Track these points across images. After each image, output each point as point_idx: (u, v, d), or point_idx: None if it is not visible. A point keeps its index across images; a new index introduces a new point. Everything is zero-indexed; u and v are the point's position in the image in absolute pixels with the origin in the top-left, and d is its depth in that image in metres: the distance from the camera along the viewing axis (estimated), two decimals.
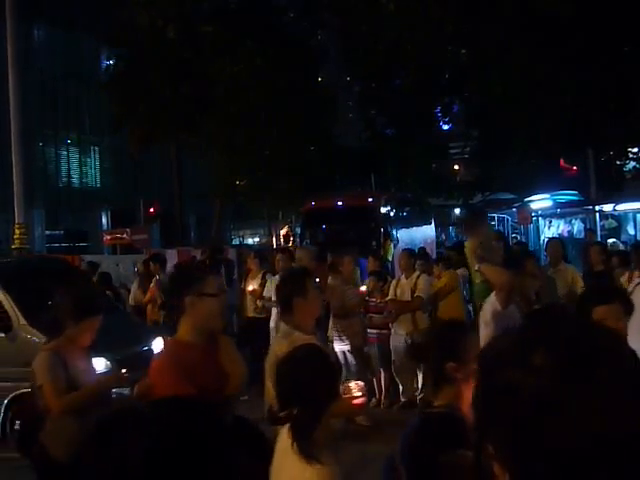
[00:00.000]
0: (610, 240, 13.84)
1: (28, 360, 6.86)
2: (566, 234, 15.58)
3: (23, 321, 7.37)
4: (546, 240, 11.17)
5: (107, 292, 10.11)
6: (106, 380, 4.41)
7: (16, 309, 7.46)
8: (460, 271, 8.71)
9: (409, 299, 7.97)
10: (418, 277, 8.10)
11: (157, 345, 7.92)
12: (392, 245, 14.96)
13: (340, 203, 16.31)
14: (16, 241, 13.10)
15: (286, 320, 3.75)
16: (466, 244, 5.19)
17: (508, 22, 17.19)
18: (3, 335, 7.39)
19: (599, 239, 14.26)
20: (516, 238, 18.99)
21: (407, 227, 17.09)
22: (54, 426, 3.83)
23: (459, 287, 8.39)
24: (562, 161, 23.29)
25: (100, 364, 6.99)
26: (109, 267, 14.07)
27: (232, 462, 0.92)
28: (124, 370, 4.21)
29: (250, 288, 9.29)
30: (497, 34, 17.87)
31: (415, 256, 8.69)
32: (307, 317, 3.69)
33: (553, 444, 0.75)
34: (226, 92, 21.37)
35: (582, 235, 15.50)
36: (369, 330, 8.28)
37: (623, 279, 7.14)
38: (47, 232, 35.10)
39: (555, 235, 15.15)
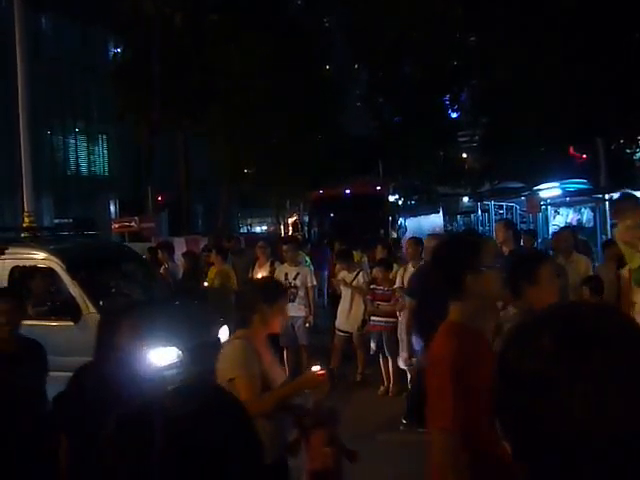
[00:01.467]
0: None
1: None
2: (575, 223, 15.49)
3: (93, 309, 6.96)
4: (556, 230, 11.10)
5: None
6: (306, 380, 3.70)
7: (85, 297, 7.08)
8: None
9: None
10: None
11: (224, 334, 7.79)
12: (399, 234, 14.95)
13: (348, 191, 16.30)
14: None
15: (517, 305, 3.47)
16: (616, 229, 5.11)
17: (515, 9, 17.06)
18: (72, 324, 6.99)
19: (608, 228, 14.18)
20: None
21: (415, 215, 17.07)
22: None
23: None
24: (572, 149, 23.13)
25: (172, 354, 6.95)
26: None
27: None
28: (317, 367, 3.60)
29: (259, 276, 9.33)
30: (504, 20, 17.73)
31: (421, 244, 8.65)
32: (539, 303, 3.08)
33: (553, 428, 0.73)
34: (232, 81, 21.32)
35: (591, 224, 15.40)
36: (377, 318, 8.29)
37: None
38: (55, 220, 35.23)
39: (564, 224, 15.04)
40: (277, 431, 3.43)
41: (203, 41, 22.09)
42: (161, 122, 23.60)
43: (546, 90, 17.65)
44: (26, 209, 13.29)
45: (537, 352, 0.77)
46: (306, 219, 19.28)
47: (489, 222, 21.44)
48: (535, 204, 16.33)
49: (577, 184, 17.90)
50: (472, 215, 25.81)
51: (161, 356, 6.79)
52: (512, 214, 21.22)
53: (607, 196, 15.19)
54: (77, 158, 37.66)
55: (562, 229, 9.35)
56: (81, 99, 36.56)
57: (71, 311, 7.02)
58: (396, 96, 25.68)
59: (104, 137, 38.67)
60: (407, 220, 16.15)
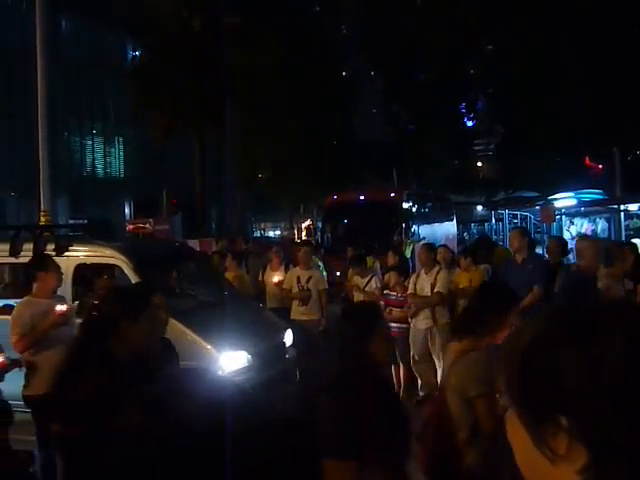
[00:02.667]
0: (634, 240, 13.65)
1: None
2: (590, 233, 15.40)
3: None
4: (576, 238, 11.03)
5: None
6: None
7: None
8: (483, 267, 8.73)
9: (429, 294, 7.95)
10: (438, 272, 8.07)
11: (289, 338, 7.70)
12: (411, 241, 14.93)
13: (362, 198, 16.29)
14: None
15: None
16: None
17: (532, 16, 17.05)
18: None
19: (623, 239, 14.09)
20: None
21: (428, 223, 17.03)
22: None
23: None
24: (587, 159, 23.02)
25: (242, 359, 6.78)
26: None
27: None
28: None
29: (276, 279, 9.37)
30: (521, 28, 17.72)
31: (435, 251, 8.66)
32: None
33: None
34: (248, 84, 21.43)
35: (606, 234, 15.31)
36: (389, 323, 8.29)
37: None
38: (71, 221, 35.49)
39: (576, 234, 14.97)
40: None
41: (220, 44, 22.23)
42: (177, 124, 23.75)
43: (563, 99, 17.60)
44: (43, 209, 13.41)
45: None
46: (319, 224, 19.29)
47: (503, 231, 21.36)
48: (550, 214, 16.25)
49: (592, 194, 17.81)
50: (486, 224, 25.73)
51: (231, 360, 6.68)
52: (526, 223, 21.12)
53: (622, 207, 15.11)
54: (93, 159, 37.97)
55: (581, 238, 9.30)
56: (98, 101, 36.89)
57: None
58: (411, 103, 25.70)
59: (120, 139, 38.96)
60: (420, 227, 16.13)
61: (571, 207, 16.38)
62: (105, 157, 38.54)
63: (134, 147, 38.06)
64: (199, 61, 22.33)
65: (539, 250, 10.92)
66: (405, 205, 16.24)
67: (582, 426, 0.75)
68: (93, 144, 37.89)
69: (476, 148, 30.72)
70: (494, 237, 21.01)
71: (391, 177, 24.55)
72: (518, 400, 0.82)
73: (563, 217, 16.43)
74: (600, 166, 22.82)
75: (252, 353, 6.80)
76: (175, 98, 22.68)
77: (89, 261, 7.30)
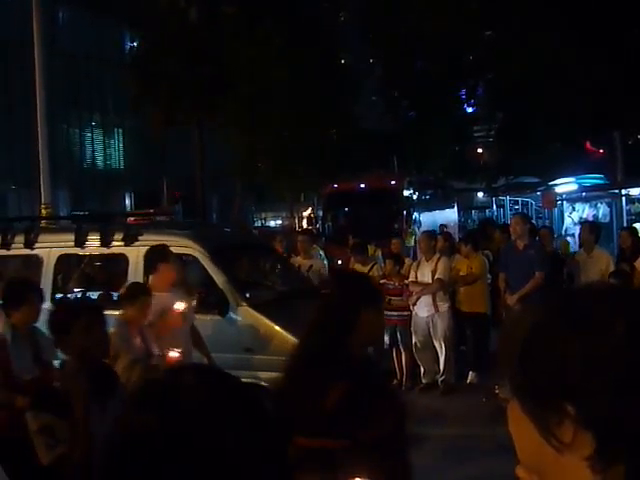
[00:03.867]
0: (636, 224, 13.65)
1: (248, 346, 6.08)
2: (591, 218, 15.39)
3: (242, 302, 6.26)
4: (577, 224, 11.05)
5: None
6: None
7: (232, 288, 6.35)
8: (485, 253, 8.75)
9: (430, 281, 7.96)
10: (439, 259, 8.08)
11: None
12: (414, 230, 14.91)
13: (362, 186, 16.28)
14: (42, 222, 13.26)
15: None
16: None
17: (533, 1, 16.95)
18: (218, 318, 6.28)
19: (625, 224, 14.08)
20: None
21: (429, 210, 17.02)
22: None
23: (485, 275, 8.33)
24: (588, 144, 22.95)
25: None
26: None
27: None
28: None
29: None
30: (521, 13, 17.62)
31: (435, 238, 8.66)
32: None
33: None
34: (247, 73, 21.34)
35: (607, 220, 15.30)
36: (389, 312, 8.30)
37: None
38: (72, 213, 35.48)
39: (578, 219, 14.96)
40: None
41: (218, 33, 22.12)
42: (176, 115, 23.69)
43: (563, 84, 17.52)
44: (43, 201, 13.40)
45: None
46: (320, 213, 19.28)
47: (504, 217, 21.34)
48: (551, 199, 16.25)
49: (593, 179, 17.78)
50: (487, 210, 25.70)
51: None
52: (528, 209, 21.11)
53: (624, 191, 15.08)
54: (93, 151, 37.92)
55: (584, 223, 9.36)
56: (97, 92, 36.79)
57: (218, 303, 6.29)
58: (411, 90, 25.56)
59: (120, 130, 38.88)
60: (421, 215, 16.11)
61: (572, 192, 16.38)
62: (105, 149, 38.48)
63: (134, 138, 37.99)
64: (197, 51, 22.23)
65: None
66: (406, 192, 16.22)
67: (588, 413, 0.74)
68: (92, 136, 37.83)
69: (476, 134, 30.59)
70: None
71: (392, 164, 24.47)
72: (521, 389, 0.81)
73: (564, 202, 16.41)
74: (601, 151, 22.75)
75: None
76: (174, 89, 22.60)
77: None
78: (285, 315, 6.25)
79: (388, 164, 25.07)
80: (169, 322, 5.03)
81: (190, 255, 6.67)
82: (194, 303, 5.82)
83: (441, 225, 15.65)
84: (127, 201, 38.19)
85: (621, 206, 15.03)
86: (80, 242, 6.90)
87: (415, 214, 15.80)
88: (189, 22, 22.83)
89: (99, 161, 38.32)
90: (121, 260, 6.83)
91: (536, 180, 22.12)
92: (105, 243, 6.82)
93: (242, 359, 5.85)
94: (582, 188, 16.42)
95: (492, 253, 9.19)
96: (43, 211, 12.41)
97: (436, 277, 7.92)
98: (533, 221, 19.00)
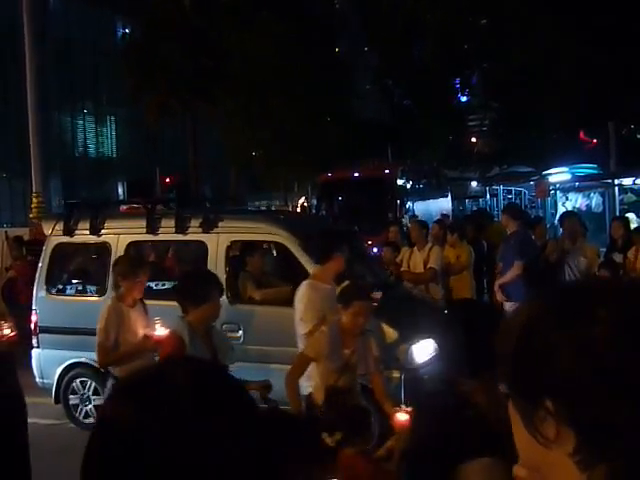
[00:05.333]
0: (628, 215, 13.68)
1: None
2: (584, 208, 15.42)
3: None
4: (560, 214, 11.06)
5: None
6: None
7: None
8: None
9: (422, 270, 7.96)
10: (430, 249, 8.07)
11: None
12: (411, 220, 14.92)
13: (356, 174, 16.24)
14: (34, 210, 13.20)
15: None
16: None
17: None
18: None
19: (617, 214, 14.10)
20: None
21: (423, 199, 17.01)
22: None
23: (471, 264, 8.35)
24: (582, 134, 22.96)
25: (430, 347, 5.91)
26: None
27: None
28: None
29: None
30: (517, 2, 17.57)
31: (427, 227, 8.65)
32: None
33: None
34: (242, 62, 21.23)
35: (600, 209, 15.32)
36: None
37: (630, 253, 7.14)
38: (64, 202, 35.33)
39: (571, 209, 14.97)
40: None
41: (213, 22, 21.98)
42: (170, 103, 23.57)
43: (557, 74, 17.51)
44: (34, 190, 13.32)
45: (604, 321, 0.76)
46: (314, 202, 19.24)
47: (497, 207, 21.35)
48: (544, 189, 16.25)
49: (587, 169, 17.79)
50: (480, 200, 25.72)
51: (420, 350, 5.80)
52: (521, 199, 21.13)
53: (617, 181, 15.10)
54: (85, 139, 37.74)
55: (566, 214, 9.34)
56: (90, 80, 36.58)
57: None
58: (406, 79, 25.52)
59: (112, 119, 38.69)
60: (415, 204, 16.10)
61: (565, 182, 16.37)
62: (97, 137, 38.31)
63: (127, 126, 37.84)
64: (192, 40, 22.10)
65: None
66: (400, 182, 16.20)
67: (569, 408, 0.75)
68: (85, 124, 37.64)
69: (470, 124, 30.57)
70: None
71: (385, 153, 24.43)
72: (512, 385, 0.82)
73: (557, 192, 16.42)
74: (595, 141, 22.77)
75: (436, 341, 5.90)
76: (168, 77, 22.48)
77: (244, 238, 6.42)
78: (387, 310, 5.76)
79: (382, 153, 25.05)
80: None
81: (278, 243, 6.23)
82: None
83: (442, 214, 15.66)
84: (119, 190, 38.06)
85: (614, 196, 15.05)
86: (153, 228, 6.45)
87: (409, 203, 15.79)
88: (184, 9, 22.67)
89: (91, 149, 38.15)
90: (199, 247, 6.49)
91: (530, 169, 22.12)
92: (181, 229, 6.35)
93: None
94: (575, 178, 16.42)
95: (488, 242, 9.21)
96: (34, 200, 12.34)
97: (429, 266, 7.92)
98: (531, 210, 19.09)
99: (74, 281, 7.27)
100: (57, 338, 6.60)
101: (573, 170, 17.05)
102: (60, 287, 7.11)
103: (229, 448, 0.83)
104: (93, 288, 6.98)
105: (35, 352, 6.74)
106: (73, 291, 7.19)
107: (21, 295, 9.31)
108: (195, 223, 6.28)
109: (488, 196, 24.16)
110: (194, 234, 6.37)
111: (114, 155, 39.03)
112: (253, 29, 20.92)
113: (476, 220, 10.76)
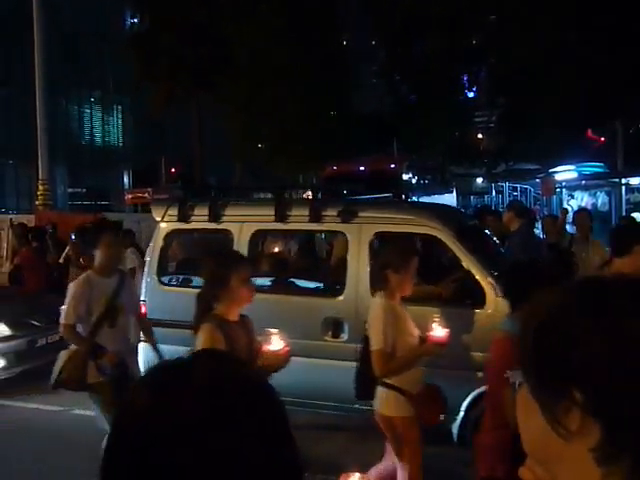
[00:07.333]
0: (634, 214, 13.64)
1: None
2: (590, 207, 15.37)
3: (500, 293, 4.94)
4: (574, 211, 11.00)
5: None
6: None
7: (487, 276, 5.29)
8: None
9: None
10: None
11: None
12: None
13: (362, 168, 16.23)
14: (40, 197, 13.22)
15: None
16: None
17: None
18: (476, 310, 5.30)
19: (623, 213, 14.06)
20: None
21: (428, 195, 16.99)
22: None
23: None
24: (589, 132, 22.86)
25: None
26: (131, 225, 14.15)
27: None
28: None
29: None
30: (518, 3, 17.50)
31: None
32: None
33: None
34: (247, 52, 21.17)
35: (606, 208, 15.28)
36: None
37: None
38: (69, 190, 35.39)
39: (576, 207, 14.92)
40: None
41: (219, 12, 21.92)
42: (176, 92, 23.55)
43: (565, 72, 17.42)
44: (40, 177, 13.33)
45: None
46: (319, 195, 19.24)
47: (503, 203, 21.28)
48: (550, 186, 16.20)
49: (593, 167, 17.72)
50: (486, 196, 25.66)
51: None
52: (526, 196, 21.05)
53: (624, 180, 15.05)
54: (92, 128, 37.75)
55: (578, 211, 9.28)
56: (97, 69, 36.55)
57: (472, 293, 5.33)
58: (412, 74, 25.42)
59: (119, 107, 38.69)
60: (420, 199, 16.09)
61: (572, 180, 16.32)
62: (104, 125, 38.31)
63: (133, 115, 37.82)
64: (198, 29, 22.06)
65: None
66: (405, 176, 16.18)
67: (597, 399, 0.73)
68: (91, 112, 37.65)
69: (477, 120, 30.47)
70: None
71: (391, 148, 24.38)
72: (533, 375, 0.79)
73: (563, 190, 16.37)
74: (602, 139, 22.67)
75: None
76: (174, 66, 22.45)
77: (391, 229, 5.73)
78: None
79: (388, 147, 24.99)
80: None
81: (432, 236, 5.62)
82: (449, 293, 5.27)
83: None
84: (125, 179, 38.09)
85: (620, 195, 15.01)
86: (282, 216, 5.95)
87: (414, 198, 15.79)
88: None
89: (97, 138, 38.17)
90: (337, 238, 6.12)
91: (536, 167, 22.04)
92: (315, 218, 5.88)
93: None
94: (582, 176, 16.37)
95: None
96: (40, 187, 12.36)
97: None
98: (537, 207, 19.02)
99: (189, 271, 6.56)
100: (169, 332, 5.75)
101: (580, 168, 16.99)
102: (173, 277, 6.67)
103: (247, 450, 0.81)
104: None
105: (142, 346, 5.79)
106: (187, 282, 6.52)
107: (28, 281, 9.34)
108: (332, 212, 5.83)
109: (494, 193, 24.09)
110: (331, 224, 5.92)
111: (120, 144, 39.04)
112: (255, 19, 20.83)
113: (481, 217, 10.71)
